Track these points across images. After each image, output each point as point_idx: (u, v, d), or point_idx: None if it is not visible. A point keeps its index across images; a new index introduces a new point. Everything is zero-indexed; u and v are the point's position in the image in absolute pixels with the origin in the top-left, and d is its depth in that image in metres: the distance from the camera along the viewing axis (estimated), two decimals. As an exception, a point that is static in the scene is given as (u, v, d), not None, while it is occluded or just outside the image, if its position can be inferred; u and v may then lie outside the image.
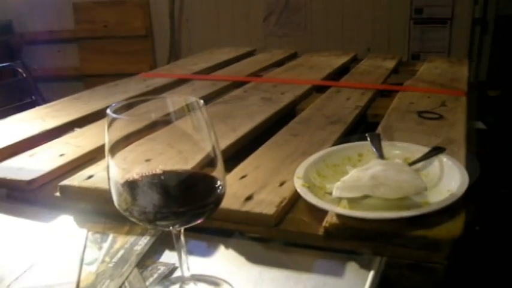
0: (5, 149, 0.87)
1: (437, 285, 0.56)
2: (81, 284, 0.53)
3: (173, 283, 0.54)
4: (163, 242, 0.60)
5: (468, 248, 0.74)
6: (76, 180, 0.72)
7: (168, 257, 0.58)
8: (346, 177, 0.62)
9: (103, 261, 0.57)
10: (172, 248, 0.59)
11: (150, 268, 0.56)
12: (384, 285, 0.55)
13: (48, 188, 0.74)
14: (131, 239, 0.61)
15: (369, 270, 0.54)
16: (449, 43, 2.31)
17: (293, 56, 1.76)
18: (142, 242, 0.60)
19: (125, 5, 2.97)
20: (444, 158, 0.69)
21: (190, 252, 0.57)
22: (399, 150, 0.74)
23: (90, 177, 0.72)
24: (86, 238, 0.62)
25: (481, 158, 0.78)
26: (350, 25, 2.56)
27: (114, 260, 0.57)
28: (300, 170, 0.68)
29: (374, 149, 0.72)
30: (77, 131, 0.96)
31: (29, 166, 0.78)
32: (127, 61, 2.96)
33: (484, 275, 0.89)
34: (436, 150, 0.72)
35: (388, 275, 0.56)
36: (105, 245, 0.60)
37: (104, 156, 0.80)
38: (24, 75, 1.95)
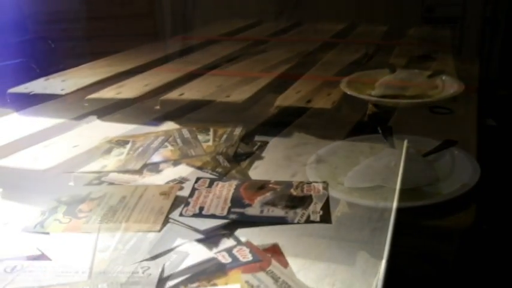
0: (20, 140, 0.88)
1: (446, 275, 0.56)
2: (94, 270, 0.54)
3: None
4: (175, 231, 0.60)
5: (475, 246, 0.75)
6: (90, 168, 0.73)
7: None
8: (358, 167, 0.62)
9: (116, 248, 0.58)
10: (183, 236, 0.59)
11: (162, 256, 0.56)
12: (393, 275, 0.54)
13: (61, 178, 0.75)
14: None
15: (380, 259, 0.54)
16: (460, 42, 2.30)
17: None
18: (155, 230, 0.61)
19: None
20: (456, 151, 0.69)
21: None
22: (410, 144, 0.74)
23: (104, 167, 0.73)
24: (99, 226, 0.62)
25: (492, 157, 0.78)
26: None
27: (127, 247, 0.58)
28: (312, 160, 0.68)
29: (386, 141, 0.72)
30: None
31: (43, 156, 0.79)
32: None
33: (491, 273, 0.88)
34: (447, 144, 0.71)
35: (397, 265, 0.56)
36: (118, 233, 0.61)
37: (119, 147, 0.81)
38: (38, 71, 1.96)
